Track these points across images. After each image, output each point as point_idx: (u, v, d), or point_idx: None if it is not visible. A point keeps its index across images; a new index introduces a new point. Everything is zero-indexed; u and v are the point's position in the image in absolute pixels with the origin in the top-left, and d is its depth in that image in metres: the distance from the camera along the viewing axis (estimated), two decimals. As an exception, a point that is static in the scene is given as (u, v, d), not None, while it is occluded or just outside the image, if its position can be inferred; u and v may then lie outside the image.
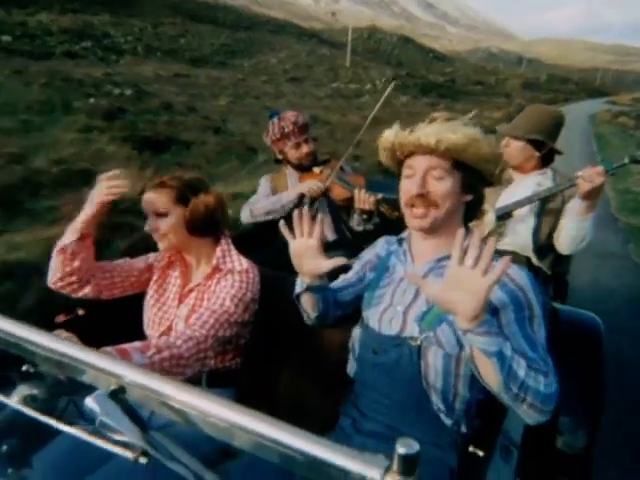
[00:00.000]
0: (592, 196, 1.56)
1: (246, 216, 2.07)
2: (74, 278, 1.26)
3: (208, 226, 1.26)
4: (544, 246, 1.80)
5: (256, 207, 2.02)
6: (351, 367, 1.15)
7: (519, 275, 0.93)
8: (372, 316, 1.08)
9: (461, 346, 0.92)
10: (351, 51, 45.69)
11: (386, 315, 1.04)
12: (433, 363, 0.95)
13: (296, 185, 2.06)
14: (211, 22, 35.66)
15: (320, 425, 1.03)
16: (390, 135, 1.01)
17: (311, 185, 1.95)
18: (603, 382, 1.22)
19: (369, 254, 1.24)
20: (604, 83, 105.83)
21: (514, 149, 1.83)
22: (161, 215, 1.22)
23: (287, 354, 1.37)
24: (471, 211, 1.04)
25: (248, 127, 10.06)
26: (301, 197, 1.98)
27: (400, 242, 1.14)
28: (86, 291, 1.29)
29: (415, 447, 0.37)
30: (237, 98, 15.48)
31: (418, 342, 0.95)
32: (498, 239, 1.83)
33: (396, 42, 53.78)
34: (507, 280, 0.92)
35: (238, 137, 8.92)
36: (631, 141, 10.67)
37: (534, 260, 1.81)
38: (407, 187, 1.00)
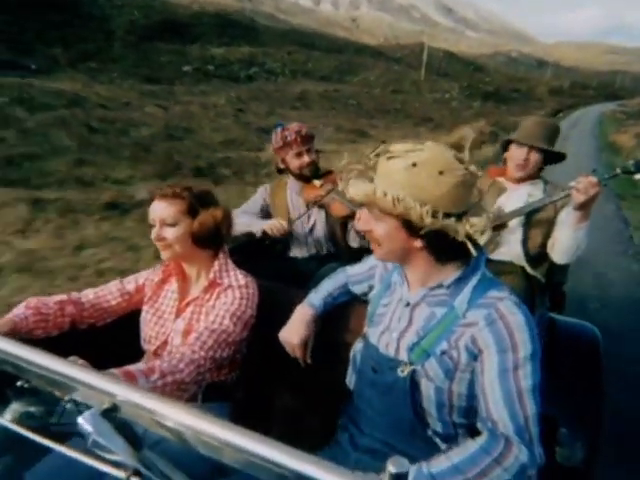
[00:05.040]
0: (586, 206, 1.58)
1: None
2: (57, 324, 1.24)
3: (213, 239, 1.29)
4: (537, 255, 1.81)
5: (235, 222, 2.04)
6: (350, 379, 1.17)
7: (511, 312, 0.91)
8: (373, 334, 1.10)
9: (451, 379, 0.93)
10: (408, 65, 57.35)
11: (383, 338, 1.06)
12: (427, 394, 0.96)
13: (270, 217, 2.13)
14: (314, 48, 47.47)
15: (317, 438, 1.08)
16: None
17: (275, 224, 2.01)
18: (602, 393, 1.18)
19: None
20: (623, 86, 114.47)
21: (534, 161, 1.83)
22: (169, 225, 1.24)
23: (283, 367, 1.35)
24: (445, 250, 0.95)
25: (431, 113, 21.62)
26: (265, 233, 2.02)
27: None
28: (78, 326, 1.29)
29: (406, 466, 0.40)
30: (394, 103, 26.89)
31: (405, 373, 0.96)
32: (494, 249, 1.85)
33: (442, 56, 65.16)
34: (496, 317, 0.90)
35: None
36: (617, 123, 21.40)
37: (528, 269, 1.81)
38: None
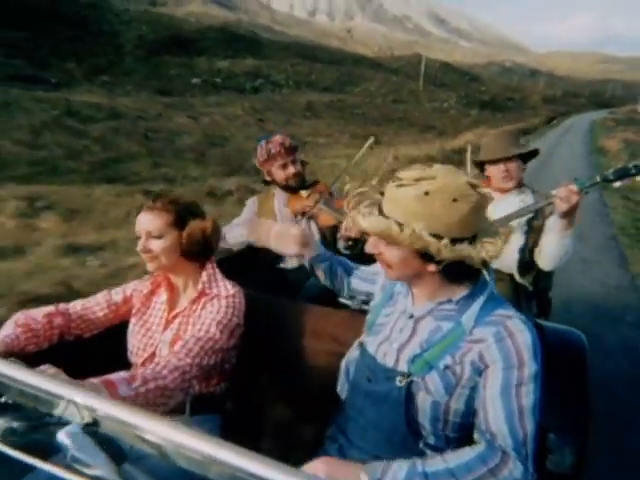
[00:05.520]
0: (570, 214, 1.61)
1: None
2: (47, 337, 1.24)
3: (202, 251, 1.30)
4: (526, 263, 1.86)
5: (228, 235, 2.10)
6: (341, 388, 1.16)
7: (519, 330, 0.91)
8: (371, 343, 1.09)
9: (450, 395, 0.93)
10: (406, 75, 59.04)
11: (382, 347, 1.05)
12: (422, 407, 0.95)
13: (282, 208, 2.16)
14: (316, 60, 49.14)
15: (307, 449, 1.07)
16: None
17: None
18: (587, 399, 1.21)
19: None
20: (614, 95, 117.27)
21: (516, 168, 1.91)
22: (154, 237, 1.25)
23: (273, 378, 1.34)
24: (458, 273, 0.95)
25: (434, 122, 22.99)
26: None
27: None
28: (65, 338, 1.30)
29: (379, 472, 0.39)
30: (396, 112, 28.31)
31: (403, 384, 0.96)
32: None
33: (438, 67, 67.21)
34: (505, 334, 0.91)
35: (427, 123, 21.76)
36: (607, 130, 22.77)
37: (516, 277, 1.85)
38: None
